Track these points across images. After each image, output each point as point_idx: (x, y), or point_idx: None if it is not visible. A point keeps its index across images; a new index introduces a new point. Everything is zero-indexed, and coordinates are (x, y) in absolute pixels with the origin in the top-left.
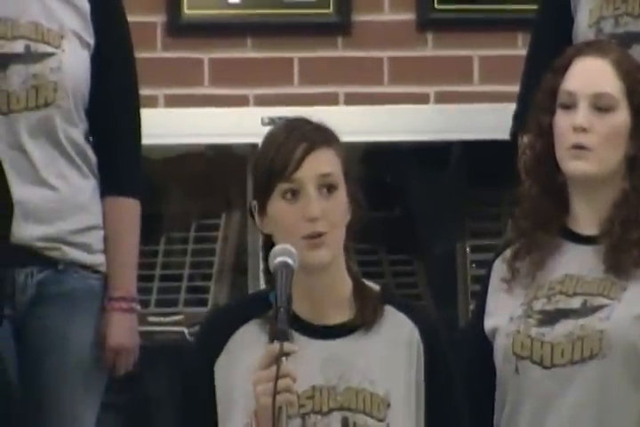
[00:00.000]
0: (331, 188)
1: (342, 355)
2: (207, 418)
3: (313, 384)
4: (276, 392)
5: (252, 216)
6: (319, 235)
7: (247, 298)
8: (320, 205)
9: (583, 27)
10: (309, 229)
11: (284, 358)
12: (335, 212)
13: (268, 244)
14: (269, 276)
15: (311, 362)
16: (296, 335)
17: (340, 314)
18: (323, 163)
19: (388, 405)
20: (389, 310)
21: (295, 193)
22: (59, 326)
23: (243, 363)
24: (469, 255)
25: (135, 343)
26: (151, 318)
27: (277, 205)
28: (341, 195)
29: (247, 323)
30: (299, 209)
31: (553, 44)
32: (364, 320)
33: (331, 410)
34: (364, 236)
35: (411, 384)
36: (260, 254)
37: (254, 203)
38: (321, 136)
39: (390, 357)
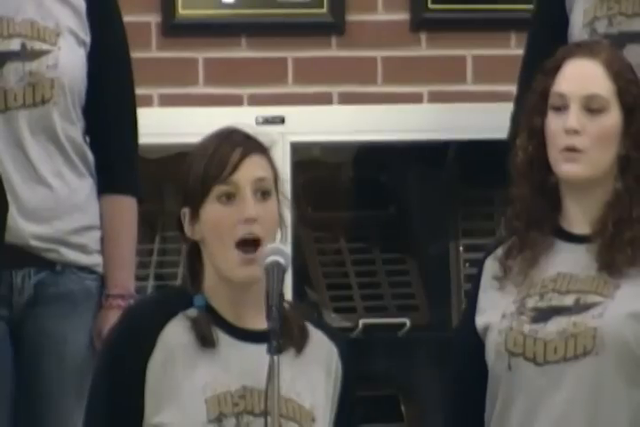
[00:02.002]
0: (265, 193)
1: (267, 361)
2: (132, 416)
3: (243, 384)
4: (272, 395)
5: (180, 224)
6: (255, 241)
7: (166, 294)
8: (256, 208)
9: (577, 27)
10: (245, 230)
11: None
12: (269, 218)
13: (194, 251)
14: (193, 281)
15: (240, 363)
16: (223, 336)
17: (263, 322)
18: (259, 167)
19: (313, 419)
20: (309, 327)
21: (231, 196)
22: (56, 327)
23: (177, 360)
24: (462, 254)
25: None
26: None
27: (212, 209)
28: (274, 202)
29: (173, 319)
30: (234, 212)
31: (549, 45)
32: (290, 334)
33: (263, 413)
34: (357, 235)
35: (329, 401)
36: (184, 262)
37: (185, 210)
38: (254, 143)
39: (312, 373)
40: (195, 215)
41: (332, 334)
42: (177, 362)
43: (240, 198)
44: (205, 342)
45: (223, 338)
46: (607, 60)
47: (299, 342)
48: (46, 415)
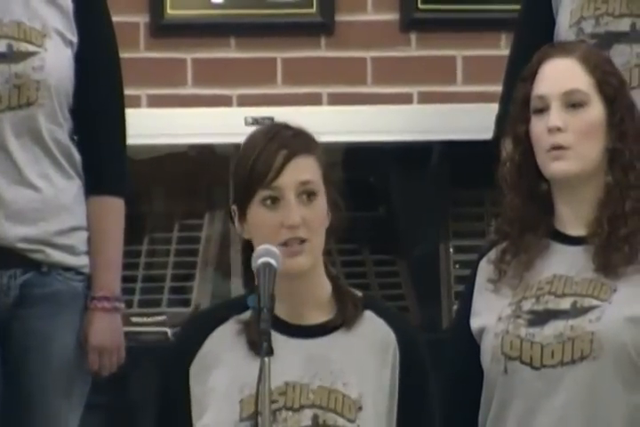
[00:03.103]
0: (310, 195)
1: (318, 354)
2: (182, 420)
3: (286, 380)
4: (263, 393)
5: (232, 221)
6: (301, 241)
7: (225, 302)
8: (300, 212)
9: (564, 28)
10: (290, 235)
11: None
12: (315, 219)
13: (248, 249)
14: (249, 280)
15: (285, 359)
16: (274, 334)
17: (319, 315)
18: (303, 170)
19: (360, 408)
20: (369, 315)
21: (275, 200)
22: (42, 328)
23: (222, 363)
24: (452, 256)
25: (118, 343)
26: (134, 319)
27: (257, 212)
28: (321, 201)
29: (224, 324)
30: (279, 216)
31: (535, 46)
32: (343, 320)
33: (302, 407)
34: (347, 236)
35: (384, 389)
36: (240, 259)
37: (234, 208)
38: (301, 143)
39: (366, 360)
40: (242, 215)
41: (393, 321)
42: (220, 366)
43: (284, 203)
44: (254, 347)
45: (273, 336)
46: (582, 55)
47: (350, 319)
48: (34, 416)
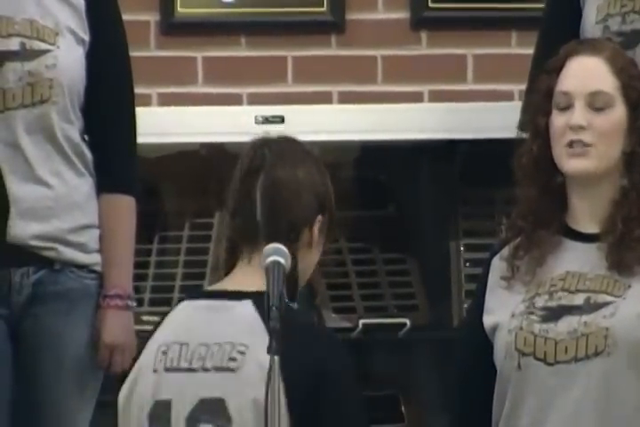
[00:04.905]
0: None
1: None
2: None
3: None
4: (270, 389)
5: (305, 229)
6: None
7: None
8: None
9: (590, 24)
10: None
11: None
12: None
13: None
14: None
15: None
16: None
17: None
18: None
19: None
20: None
21: None
22: (55, 325)
23: None
24: (463, 254)
25: (130, 341)
26: (145, 317)
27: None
28: None
29: None
30: None
31: (561, 41)
32: None
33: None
34: (357, 235)
35: None
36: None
37: (321, 218)
38: None
39: None
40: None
41: None
42: None
43: None
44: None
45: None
46: (610, 56)
47: None
48: (46, 414)
